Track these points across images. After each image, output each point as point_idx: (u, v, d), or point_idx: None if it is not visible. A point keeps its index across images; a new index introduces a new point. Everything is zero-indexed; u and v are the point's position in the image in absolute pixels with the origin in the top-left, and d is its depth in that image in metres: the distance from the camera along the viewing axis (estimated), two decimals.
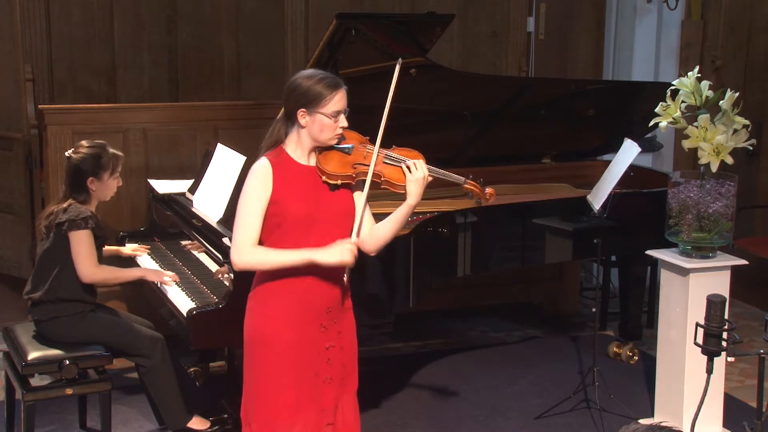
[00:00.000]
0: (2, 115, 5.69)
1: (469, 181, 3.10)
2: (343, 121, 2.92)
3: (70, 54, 5.65)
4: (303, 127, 2.91)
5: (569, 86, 5.21)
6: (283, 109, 2.98)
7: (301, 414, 2.97)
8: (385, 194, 3.45)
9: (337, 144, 2.95)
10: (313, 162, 2.96)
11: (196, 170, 4.51)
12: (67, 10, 5.62)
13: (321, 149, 2.95)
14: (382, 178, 2.97)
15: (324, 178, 2.94)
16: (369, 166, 2.93)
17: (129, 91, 5.80)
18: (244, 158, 4.04)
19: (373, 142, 2.96)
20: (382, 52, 4.11)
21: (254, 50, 6.01)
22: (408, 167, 2.93)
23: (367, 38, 4.00)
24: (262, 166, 2.91)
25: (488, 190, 3.11)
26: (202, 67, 5.95)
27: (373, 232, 3.00)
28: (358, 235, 2.95)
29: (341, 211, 2.97)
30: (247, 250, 2.88)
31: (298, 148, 2.96)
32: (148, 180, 4.77)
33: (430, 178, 2.97)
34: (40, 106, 5.17)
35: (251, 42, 6.00)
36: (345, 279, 2.95)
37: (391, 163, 2.96)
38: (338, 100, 2.89)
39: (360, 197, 2.99)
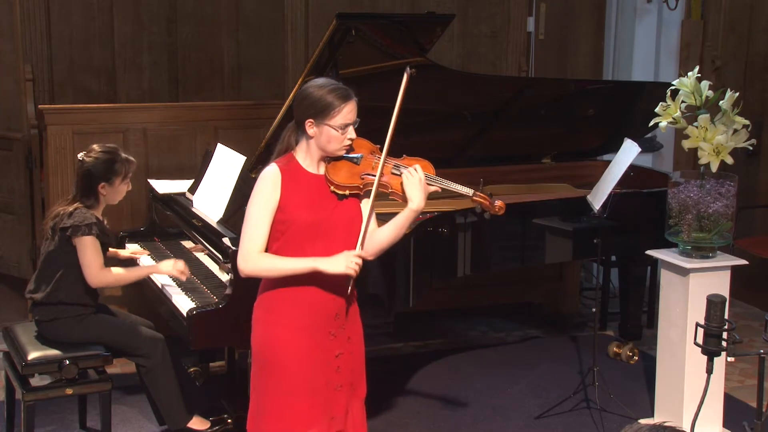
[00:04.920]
0: (2, 115, 5.68)
1: (478, 193, 3.02)
2: (351, 133, 2.92)
3: (70, 54, 5.65)
4: (311, 137, 2.91)
5: (569, 86, 5.21)
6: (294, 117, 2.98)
7: (314, 426, 2.95)
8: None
9: (347, 153, 2.95)
10: (322, 171, 2.96)
11: (196, 170, 4.51)
12: (67, 10, 5.61)
13: (330, 159, 2.95)
14: (390, 189, 2.96)
15: (332, 188, 2.94)
16: (375, 177, 2.92)
17: (129, 91, 5.80)
18: (244, 158, 4.04)
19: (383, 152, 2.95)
20: (382, 52, 4.11)
21: (254, 50, 6.01)
22: (404, 174, 2.92)
23: (367, 38, 4.00)
24: (271, 173, 2.91)
25: (498, 203, 3.05)
26: (202, 67, 5.94)
27: (372, 237, 2.98)
28: (362, 246, 2.93)
29: (347, 220, 2.96)
30: (254, 257, 2.88)
31: (307, 156, 2.96)
32: (148, 180, 4.77)
33: (433, 188, 2.94)
34: (40, 106, 5.17)
35: (251, 42, 5.99)
36: (349, 289, 2.95)
37: (399, 173, 2.95)
38: (347, 113, 2.89)
39: (366, 206, 2.98)
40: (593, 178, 4.69)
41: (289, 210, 2.89)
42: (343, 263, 2.85)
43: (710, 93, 3.98)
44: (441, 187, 2.96)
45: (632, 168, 4.22)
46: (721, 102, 3.95)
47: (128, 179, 3.91)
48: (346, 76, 3.91)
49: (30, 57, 5.47)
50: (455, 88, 4.64)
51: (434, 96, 4.60)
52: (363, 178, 2.95)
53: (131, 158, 3.94)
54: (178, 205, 4.37)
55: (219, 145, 4.33)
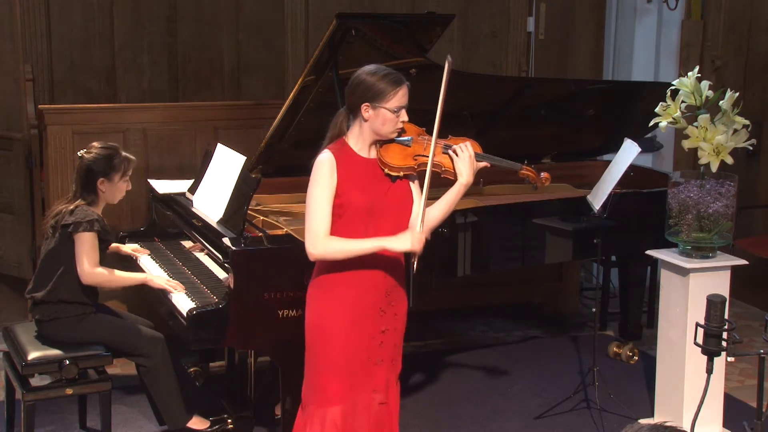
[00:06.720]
0: (2, 115, 5.69)
1: (525, 167, 3.25)
2: (404, 116, 3.07)
3: (70, 54, 5.65)
4: (366, 121, 3.04)
5: (569, 86, 5.20)
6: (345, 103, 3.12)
7: (353, 394, 3.12)
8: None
9: (397, 137, 3.08)
10: (373, 154, 3.09)
11: (196, 170, 4.51)
12: (67, 10, 5.61)
13: (381, 142, 3.08)
14: (443, 168, 3.11)
15: (386, 170, 3.07)
16: (428, 157, 3.04)
17: (129, 91, 5.80)
18: (244, 158, 4.04)
19: (429, 133, 3.08)
20: (382, 52, 4.10)
21: (254, 50, 6.01)
22: (454, 151, 3.08)
23: (367, 38, 3.99)
24: (327, 159, 3.04)
25: (544, 174, 3.26)
26: (202, 67, 5.94)
27: (426, 216, 3.10)
28: (423, 223, 3.06)
29: (398, 202, 3.10)
30: (322, 241, 3.01)
31: (359, 140, 3.09)
32: (148, 180, 4.76)
33: (482, 164, 3.13)
34: (40, 106, 5.17)
35: (251, 42, 5.99)
36: (414, 267, 3.07)
37: (449, 153, 3.10)
38: (401, 96, 3.05)
39: (419, 187, 3.12)
40: (593, 178, 4.69)
41: (346, 195, 3.02)
42: (409, 240, 3.01)
43: (710, 93, 3.98)
44: (490, 163, 3.16)
45: (632, 168, 4.22)
46: (721, 102, 3.95)
47: (127, 177, 3.91)
48: (346, 77, 3.90)
49: (30, 57, 5.47)
50: (455, 88, 4.58)
51: (434, 96, 4.59)
52: (416, 159, 3.08)
53: (131, 156, 3.95)
54: (178, 205, 4.37)
55: (219, 145, 4.33)
